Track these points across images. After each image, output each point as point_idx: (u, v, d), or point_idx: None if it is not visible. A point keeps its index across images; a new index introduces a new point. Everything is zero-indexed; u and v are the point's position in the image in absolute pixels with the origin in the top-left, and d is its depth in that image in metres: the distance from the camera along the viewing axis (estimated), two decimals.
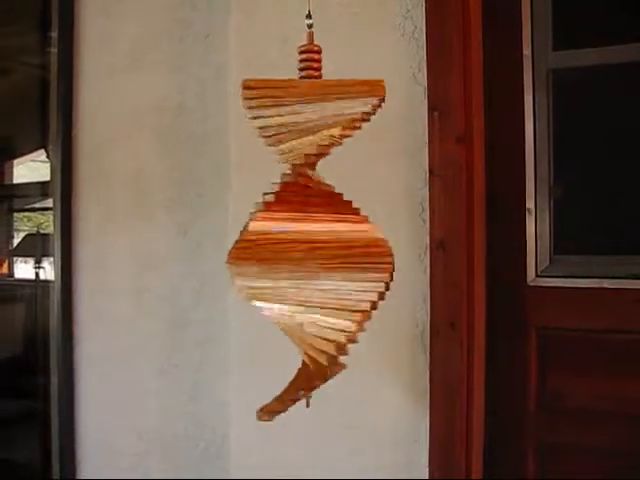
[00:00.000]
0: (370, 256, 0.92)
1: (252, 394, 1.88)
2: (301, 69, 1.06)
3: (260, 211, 0.94)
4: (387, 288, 0.91)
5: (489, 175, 1.73)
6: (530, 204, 1.72)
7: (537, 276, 1.72)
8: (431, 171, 1.66)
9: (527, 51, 1.72)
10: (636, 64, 1.67)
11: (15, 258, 3.13)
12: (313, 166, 0.99)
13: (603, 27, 1.71)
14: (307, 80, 1.01)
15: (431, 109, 1.67)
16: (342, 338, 0.90)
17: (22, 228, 3.13)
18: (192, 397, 2.04)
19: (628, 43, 1.67)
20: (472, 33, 1.67)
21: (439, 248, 1.65)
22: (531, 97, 1.72)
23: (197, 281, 2.03)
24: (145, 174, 2.09)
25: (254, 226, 0.93)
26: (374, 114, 0.96)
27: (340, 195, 0.96)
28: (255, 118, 0.97)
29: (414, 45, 1.69)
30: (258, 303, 0.93)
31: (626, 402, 1.61)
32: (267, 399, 1.83)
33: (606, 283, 1.64)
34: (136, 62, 2.09)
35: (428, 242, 1.67)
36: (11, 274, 3.10)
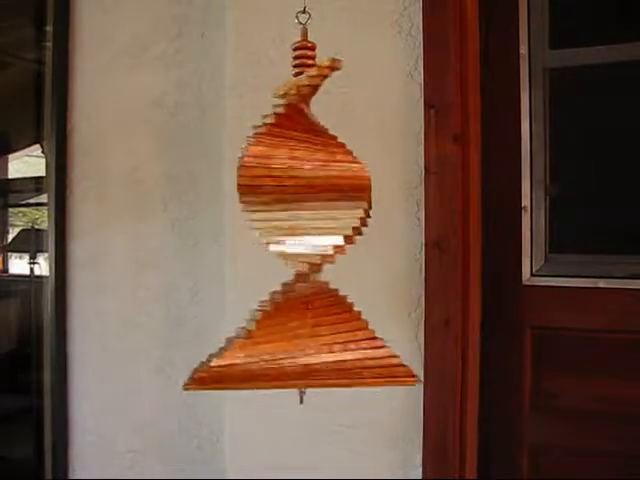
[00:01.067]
0: (354, 187, 0.95)
1: (247, 393, 1.89)
2: (295, 66, 1.06)
3: (254, 144, 0.94)
4: (367, 215, 0.94)
5: (485, 173, 1.73)
6: (526, 203, 1.72)
7: (532, 275, 1.71)
8: (427, 169, 1.66)
9: (524, 50, 1.71)
10: (632, 63, 1.67)
11: (9, 253, 3.13)
12: (306, 100, 0.99)
13: (600, 26, 1.71)
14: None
15: (427, 107, 1.66)
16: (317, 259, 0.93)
17: (17, 223, 3.13)
18: (187, 394, 2.04)
19: (624, 42, 1.67)
20: (469, 31, 1.66)
21: (434, 247, 1.65)
22: (527, 96, 1.72)
23: (193, 278, 2.02)
24: (141, 171, 2.08)
25: (253, 152, 0.93)
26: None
27: (330, 134, 0.96)
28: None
29: (411, 43, 1.69)
30: (273, 245, 0.93)
31: (620, 402, 1.61)
32: (262, 396, 1.83)
33: (601, 282, 1.64)
34: (132, 58, 2.08)
35: (424, 241, 1.67)
36: (5, 269, 3.09)
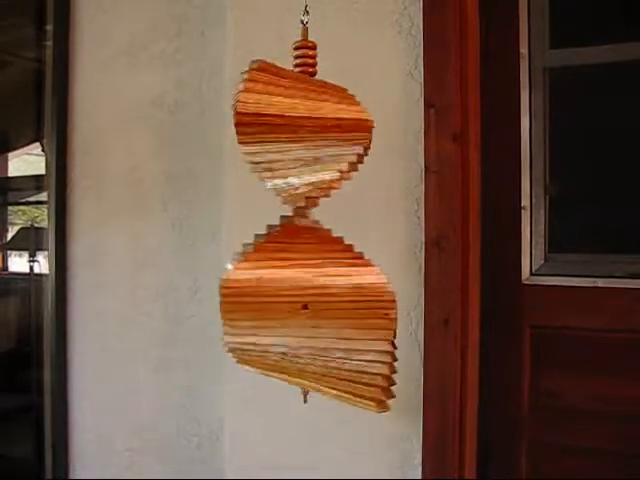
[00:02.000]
0: (373, 309, 0.90)
1: (246, 390, 1.89)
2: (296, 65, 1.06)
3: (248, 253, 0.93)
4: (365, 153, 0.93)
5: (485, 173, 1.73)
6: (525, 202, 1.72)
7: (532, 274, 1.72)
8: (427, 168, 1.66)
9: (524, 49, 1.71)
10: (632, 63, 1.67)
11: (9, 252, 3.13)
12: (309, 208, 0.98)
13: (600, 26, 1.71)
14: (296, 117, 0.98)
15: (427, 106, 1.66)
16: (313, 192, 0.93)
17: (16, 221, 3.13)
18: (186, 393, 2.04)
19: (625, 42, 1.67)
20: (469, 31, 1.66)
21: (434, 245, 1.65)
22: (527, 95, 1.72)
23: (192, 277, 2.03)
24: (140, 170, 2.08)
25: (237, 275, 0.91)
26: (366, 154, 0.96)
27: (338, 238, 0.96)
28: (248, 154, 0.96)
29: (411, 42, 1.69)
30: (248, 367, 0.91)
31: (619, 401, 1.61)
32: (261, 395, 1.83)
33: (600, 282, 1.64)
34: (132, 57, 2.09)
35: (423, 239, 1.67)
36: (5, 267, 3.09)
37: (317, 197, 0.96)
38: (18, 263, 3.04)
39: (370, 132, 0.97)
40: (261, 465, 1.87)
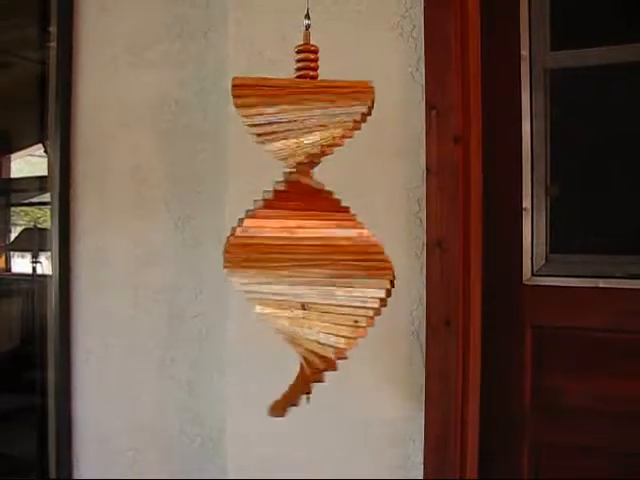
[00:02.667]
0: (368, 262, 0.90)
1: (249, 390, 1.90)
2: (298, 69, 1.06)
3: (257, 209, 0.94)
4: (388, 294, 0.90)
5: (486, 174, 1.74)
6: (526, 203, 1.73)
7: (533, 275, 1.72)
8: (428, 170, 1.67)
9: (525, 51, 1.72)
10: (633, 64, 1.68)
11: (12, 252, 3.13)
12: (311, 167, 0.99)
13: (601, 27, 1.72)
14: (297, 81, 1.00)
15: (429, 108, 1.67)
16: (341, 344, 0.89)
17: (19, 222, 3.14)
18: (189, 392, 2.05)
19: (625, 43, 1.67)
20: (470, 33, 1.67)
21: (436, 247, 1.66)
22: (528, 97, 1.73)
23: (195, 277, 2.03)
24: (143, 170, 2.09)
25: (250, 223, 0.93)
26: (369, 114, 0.96)
27: (338, 200, 0.96)
28: (246, 116, 0.97)
29: (412, 44, 1.70)
30: (258, 308, 0.92)
31: (621, 401, 1.62)
32: (264, 394, 1.84)
33: (601, 282, 1.65)
34: (135, 58, 2.10)
35: (425, 240, 1.68)
36: (8, 268, 3.10)
37: (319, 155, 0.97)
38: (21, 264, 3.05)
39: (372, 92, 0.96)
40: (263, 464, 1.88)
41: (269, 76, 0.96)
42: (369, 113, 0.98)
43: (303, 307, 0.92)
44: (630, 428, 1.60)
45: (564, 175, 1.73)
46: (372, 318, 0.89)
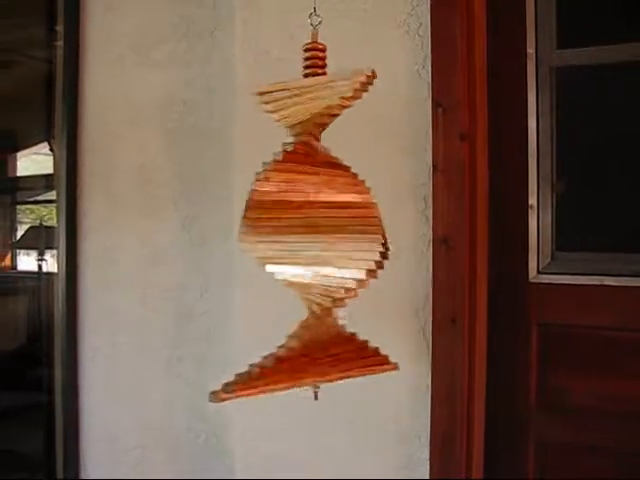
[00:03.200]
0: (366, 219, 0.95)
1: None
2: (306, 67, 1.07)
3: (267, 171, 0.96)
4: (386, 248, 0.93)
5: (492, 171, 1.74)
6: (532, 201, 1.73)
7: (539, 273, 1.72)
8: (435, 167, 1.67)
9: (531, 49, 1.72)
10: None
11: (18, 250, 3.14)
12: (319, 132, 1.01)
13: (607, 25, 1.72)
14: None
15: (435, 106, 1.68)
16: (341, 292, 0.94)
17: (24, 220, 3.14)
18: (196, 390, 2.06)
19: (632, 42, 1.67)
20: (477, 30, 1.68)
21: (442, 244, 1.66)
22: (534, 94, 1.73)
23: (202, 276, 2.04)
24: (150, 169, 2.10)
25: (261, 186, 0.95)
26: (371, 84, 0.98)
27: (342, 165, 0.99)
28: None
29: (419, 42, 1.70)
30: (270, 267, 0.95)
31: (627, 400, 1.61)
32: (269, 394, 1.85)
33: (607, 280, 1.65)
34: (142, 57, 2.10)
35: (431, 238, 1.68)
36: (14, 266, 3.11)
37: (325, 117, 0.99)
38: (26, 262, 3.05)
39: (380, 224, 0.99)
40: (269, 461, 1.89)
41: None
42: (369, 82, 1.00)
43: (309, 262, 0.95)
44: (636, 427, 1.59)
45: (570, 173, 1.74)
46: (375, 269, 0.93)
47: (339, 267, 0.94)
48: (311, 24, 1.10)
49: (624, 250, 1.68)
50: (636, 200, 1.69)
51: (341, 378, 0.99)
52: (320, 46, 1.08)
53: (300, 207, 0.95)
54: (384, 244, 0.95)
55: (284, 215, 0.95)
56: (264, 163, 0.97)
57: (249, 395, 0.92)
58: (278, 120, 1.01)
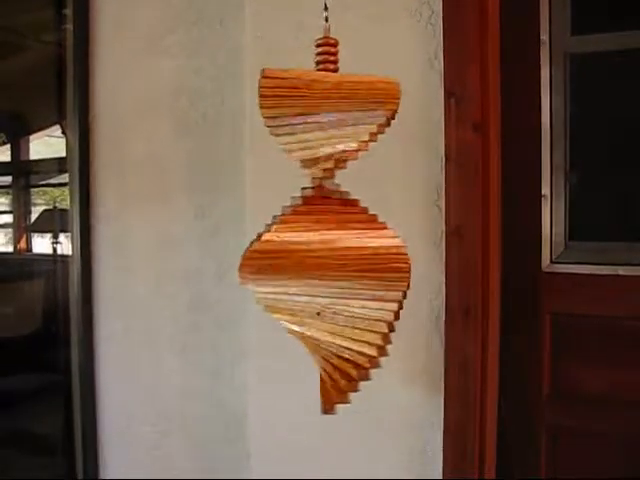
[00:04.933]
0: (388, 272, 0.92)
1: (270, 375, 1.93)
2: (318, 62, 1.06)
3: (276, 223, 0.94)
4: (401, 307, 0.92)
5: (505, 161, 1.73)
6: (546, 190, 1.72)
7: (552, 262, 1.73)
8: (447, 158, 1.67)
9: (545, 36, 1.70)
10: None
11: (32, 233, 3.16)
12: (333, 174, 0.99)
13: (622, 12, 1.69)
14: (323, 79, 1.00)
15: (448, 95, 1.66)
16: (365, 362, 0.92)
17: (37, 201, 3.16)
18: (211, 377, 2.07)
19: None
20: (489, 19, 1.65)
21: (455, 235, 1.66)
22: (548, 82, 1.72)
23: (215, 263, 2.05)
24: (162, 157, 2.09)
25: (269, 237, 0.93)
26: (389, 125, 0.97)
27: (363, 207, 0.97)
28: (269, 117, 0.97)
29: (431, 31, 1.69)
30: (276, 315, 0.93)
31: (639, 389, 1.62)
32: (284, 380, 1.87)
33: (621, 270, 1.65)
34: (152, 45, 2.08)
35: (444, 229, 1.68)
36: (29, 249, 3.13)
37: (344, 160, 0.98)
38: (40, 244, 3.07)
39: (397, 100, 0.96)
40: (284, 448, 1.91)
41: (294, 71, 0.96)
42: (393, 117, 0.98)
43: (318, 314, 0.93)
44: None
45: (584, 162, 1.73)
46: (387, 332, 0.90)
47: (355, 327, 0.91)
48: (326, 19, 1.09)
49: (638, 240, 1.67)
50: None
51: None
52: (332, 41, 1.07)
53: (312, 258, 0.92)
54: (404, 293, 0.93)
55: (293, 267, 0.92)
56: (274, 216, 0.95)
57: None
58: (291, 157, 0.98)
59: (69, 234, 2.31)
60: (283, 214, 0.95)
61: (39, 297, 2.97)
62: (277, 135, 0.96)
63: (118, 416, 2.21)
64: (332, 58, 1.08)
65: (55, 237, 2.83)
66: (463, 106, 1.64)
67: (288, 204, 0.95)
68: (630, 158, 1.71)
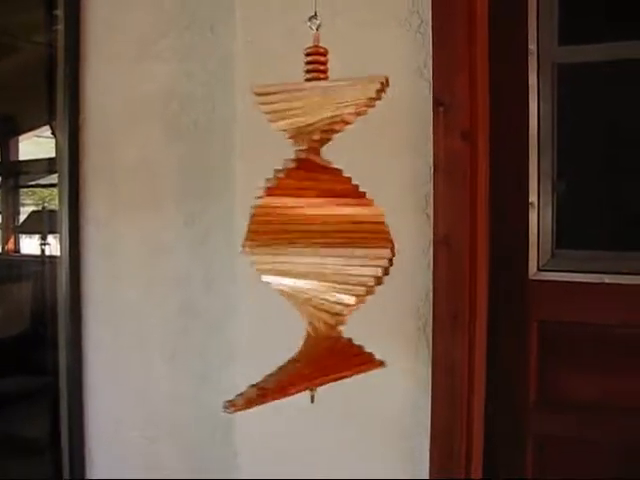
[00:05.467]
0: (373, 234, 0.94)
1: (258, 379, 1.92)
2: (307, 71, 1.06)
3: (271, 187, 0.96)
4: (390, 263, 0.93)
5: (493, 169, 1.74)
6: (533, 198, 1.73)
7: (539, 270, 1.74)
8: (436, 166, 1.67)
9: (532, 46, 1.71)
10: None
11: (21, 235, 3.15)
12: (322, 145, 1.01)
13: (609, 22, 1.71)
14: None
15: (436, 104, 1.67)
16: (344, 311, 0.95)
17: (26, 202, 3.16)
18: (200, 382, 2.08)
19: (634, 39, 1.67)
20: (478, 28, 1.66)
21: (443, 242, 1.67)
22: (536, 92, 1.73)
23: (204, 269, 2.05)
24: (152, 162, 2.10)
25: (266, 202, 0.96)
26: (379, 99, 0.98)
27: (346, 177, 0.98)
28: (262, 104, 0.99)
29: (420, 40, 1.69)
30: (269, 278, 0.96)
31: (626, 396, 1.64)
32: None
33: (607, 278, 1.66)
34: (143, 49, 2.09)
35: (432, 237, 1.69)
36: (17, 250, 3.12)
37: (330, 132, 0.99)
38: (28, 245, 3.07)
39: (389, 237, 0.99)
40: (272, 453, 1.92)
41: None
42: (383, 90, 0.98)
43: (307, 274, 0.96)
44: (634, 423, 1.62)
45: (571, 171, 1.74)
46: (373, 285, 0.93)
47: (339, 282, 0.95)
48: (310, 27, 1.09)
49: (624, 248, 1.69)
50: (636, 198, 1.70)
51: (327, 382, 0.99)
52: (321, 50, 1.07)
53: (304, 221, 0.95)
54: (390, 259, 0.95)
55: (287, 229, 0.95)
56: (267, 179, 0.98)
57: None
58: (276, 126, 1.00)
59: (58, 235, 2.31)
60: (270, 184, 0.97)
61: (27, 298, 2.97)
62: (264, 104, 0.98)
63: (106, 420, 2.21)
64: (322, 68, 1.08)
65: (44, 238, 2.83)
66: (452, 115, 1.65)
67: (276, 171, 0.97)
68: (617, 167, 1.72)
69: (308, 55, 1.07)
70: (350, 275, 0.94)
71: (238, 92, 1.92)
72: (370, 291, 0.95)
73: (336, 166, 0.99)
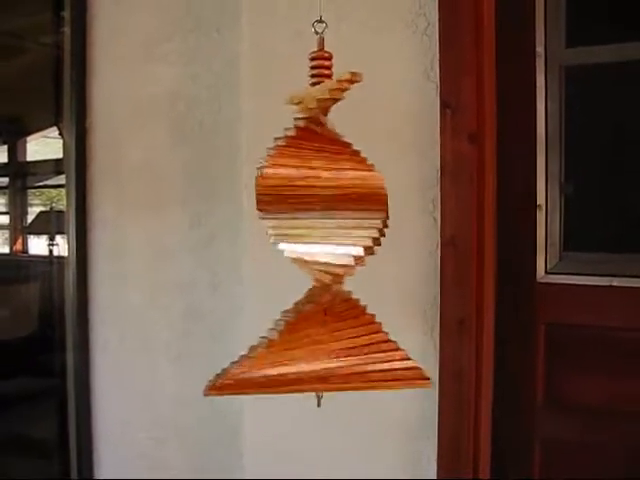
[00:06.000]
0: (372, 198, 0.96)
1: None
2: (312, 75, 1.06)
3: (273, 156, 0.96)
4: (385, 225, 0.95)
5: (500, 171, 1.73)
6: (541, 201, 1.72)
7: (547, 273, 1.73)
8: (443, 168, 1.67)
9: (540, 48, 1.70)
10: None
11: (29, 235, 3.16)
12: (323, 113, 1.00)
13: (617, 24, 1.70)
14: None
15: (443, 106, 1.67)
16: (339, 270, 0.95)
17: (34, 202, 3.16)
18: (205, 384, 2.07)
19: None
20: (485, 30, 1.66)
21: (450, 245, 1.67)
22: (543, 94, 1.72)
23: (210, 272, 2.05)
24: (158, 164, 2.10)
25: (271, 172, 0.96)
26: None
27: (349, 144, 0.98)
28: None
29: (427, 42, 1.69)
30: (283, 245, 0.95)
31: (633, 399, 1.63)
32: None
33: (615, 281, 1.65)
34: (149, 52, 2.09)
35: (439, 239, 1.68)
36: (25, 250, 3.13)
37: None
38: (36, 246, 3.08)
39: (386, 201, 1.00)
40: (279, 454, 1.92)
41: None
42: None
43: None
44: None
45: (578, 173, 1.73)
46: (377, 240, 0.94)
47: (338, 244, 0.95)
48: (316, 31, 1.08)
49: (632, 251, 1.68)
50: None
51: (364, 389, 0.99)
52: (326, 54, 1.07)
53: (308, 186, 0.95)
54: (384, 221, 0.96)
55: (293, 194, 0.94)
56: (268, 148, 0.97)
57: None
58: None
59: (65, 236, 2.31)
60: (272, 153, 0.97)
61: (35, 299, 2.97)
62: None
63: (113, 422, 2.21)
64: (326, 72, 1.07)
65: (51, 239, 2.83)
66: (459, 117, 1.65)
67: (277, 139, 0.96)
68: (625, 169, 1.71)
69: (313, 60, 1.07)
70: (350, 237, 0.95)
71: (243, 94, 1.92)
72: (370, 251, 0.96)
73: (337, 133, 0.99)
